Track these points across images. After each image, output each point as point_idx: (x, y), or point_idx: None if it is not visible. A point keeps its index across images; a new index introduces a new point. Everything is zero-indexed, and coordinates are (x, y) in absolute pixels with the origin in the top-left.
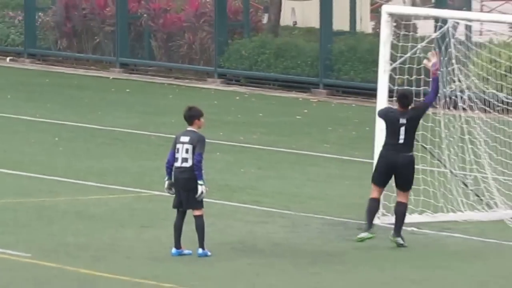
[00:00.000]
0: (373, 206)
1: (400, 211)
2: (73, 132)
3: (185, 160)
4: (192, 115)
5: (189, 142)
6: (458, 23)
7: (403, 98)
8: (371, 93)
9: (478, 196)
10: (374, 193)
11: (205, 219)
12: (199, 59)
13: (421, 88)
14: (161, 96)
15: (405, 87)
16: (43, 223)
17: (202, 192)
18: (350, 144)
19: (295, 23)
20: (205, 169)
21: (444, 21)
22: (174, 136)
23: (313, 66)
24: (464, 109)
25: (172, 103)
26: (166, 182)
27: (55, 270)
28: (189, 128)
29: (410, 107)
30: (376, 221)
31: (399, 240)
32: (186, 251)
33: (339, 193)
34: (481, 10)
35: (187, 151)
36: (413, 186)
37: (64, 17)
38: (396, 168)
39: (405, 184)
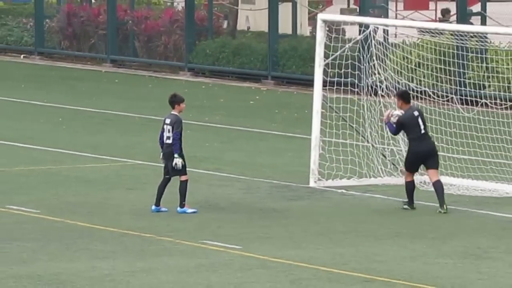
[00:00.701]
0: (411, 186)
1: (439, 186)
2: (74, 114)
3: (168, 137)
4: (172, 101)
5: (170, 124)
6: (377, 27)
7: (407, 95)
8: (309, 83)
9: (394, 164)
10: (409, 177)
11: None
12: (173, 56)
13: (349, 79)
14: (143, 85)
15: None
16: (49, 186)
17: (175, 164)
18: (292, 124)
19: (248, 28)
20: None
21: (367, 26)
22: (153, 117)
23: (263, 62)
24: (382, 96)
25: (151, 91)
26: (160, 155)
27: (59, 223)
28: (172, 112)
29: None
30: (312, 184)
31: (444, 208)
32: (163, 209)
33: (284, 162)
34: (396, 18)
35: (169, 130)
36: (343, 157)
37: (66, 23)
38: (427, 155)
39: (435, 164)
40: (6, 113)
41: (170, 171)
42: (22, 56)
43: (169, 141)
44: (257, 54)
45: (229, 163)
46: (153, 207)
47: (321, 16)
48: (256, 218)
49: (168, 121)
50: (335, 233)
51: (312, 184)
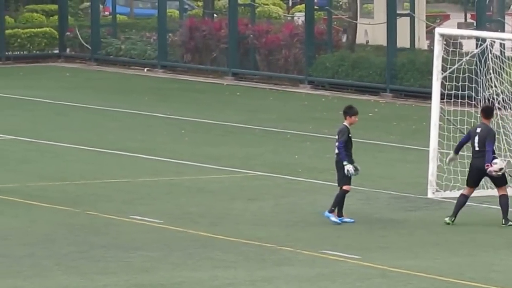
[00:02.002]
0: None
1: (504, 202)
2: (196, 126)
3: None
4: (345, 112)
5: (336, 133)
6: (494, 41)
7: (490, 110)
8: (427, 96)
9: (510, 176)
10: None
11: (304, 194)
12: (293, 69)
13: (466, 92)
14: (263, 98)
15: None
16: (172, 197)
17: (347, 171)
18: (410, 136)
19: (367, 41)
20: (298, 155)
21: (483, 40)
22: (274, 129)
23: (381, 75)
24: (499, 108)
25: (272, 104)
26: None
27: (181, 233)
28: (343, 123)
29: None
30: (430, 195)
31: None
32: (347, 219)
33: (402, 174)
34: None
35: (336, 140)
36: (460, 169)
37: (188, 37)
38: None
39: (498, 180)
40: (130, 125)
41: (339, 181)
42: (145, 69)
43: (336, 151)
44: (375, 67)
45: None
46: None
47: (438, 30)
48: (375, 228)
49: (336, 131)
50: (452, 243)
51: (430, 195)
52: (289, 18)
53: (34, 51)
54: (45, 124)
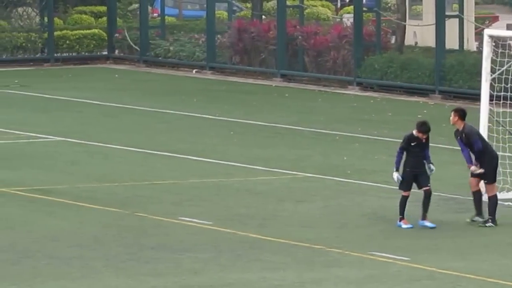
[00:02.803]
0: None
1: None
2: (244, 127)
3: None
4: (416, 124)
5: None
6: None
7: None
8: (476, 98)
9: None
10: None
11: (353, 196)
12: (342, 71)
13: None
14: (312, 100)
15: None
16: (221, 198)
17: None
18: None
19: (416, 43)
20: (347, 157)
21: None
22: (323, 131)
23: (430, 76)
24: None
25: (321, 105)
26: None
27: (230, 234)
28: (413, 131)
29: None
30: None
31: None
32: (427, 224)
33: (451, 175)
34: None
35: None
36: (509, 170)
37: (237, 39)
38: None
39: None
40: (179, 127)
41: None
42: (194, 71)
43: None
44: (424, 68)
45: None
46: (420, 221)
47: (487, 32)
48: (424, 229)
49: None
50: (502, 245)
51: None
52: (337, 19)
53: (83, 53)
54: (94, 126)
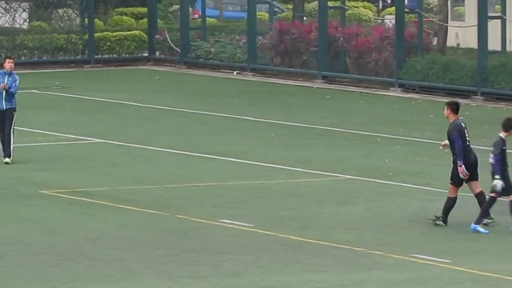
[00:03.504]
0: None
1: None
2: (285, 129)
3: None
4: (505, 124)
5: (492, 146)
6: None
7: (457, 106)
8: None
9: None
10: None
11: (395, 198)
12: (383, 72)
13: None
14: (354, 101)
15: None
16: (262, 200)
17: (495, 185)
18: None
19: (458, 44)
20: (389, 158)
21: None
22: (364, 133)
23: (472, 78)
24: None
25: (362, 107)
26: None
27: (271, 236)
28: (499, 134)
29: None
30: None
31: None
32: (482, 230)
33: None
34: None
35: (492, 152)
36: None
37: (278, 40)
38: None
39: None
40: (219, 129)
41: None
42: (235, 72)
43: (491, 161)
44: (466, 70)
45: (438, 178)
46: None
47: None
48: (466, 232)
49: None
50: None
51: None
52: (379, 20)
53: (123, 54)
54: (134, 128)
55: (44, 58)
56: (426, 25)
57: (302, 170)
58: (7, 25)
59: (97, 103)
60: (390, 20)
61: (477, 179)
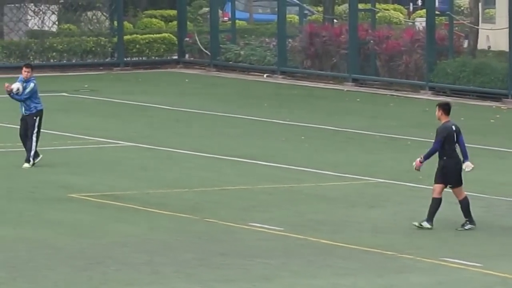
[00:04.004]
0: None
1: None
2: (315, 132)
3: None
4: None
5: None
6: None
7: (448, 107)
8: None
9: None
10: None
11: (425, 202)
12: (414, 75)
13: None
14: (384, 104)
15: None
16: (292, 204)
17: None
18: None
19: (489, 47)
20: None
21: None
22: (394, 136)
23: (503, 81)
24: None
25: (393, 110)
26: None
27: (301, 240)
28: None
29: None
30: None
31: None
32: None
33: None
34: None
35: None
36: None
37: (308, 43)
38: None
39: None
40: (249, 131)
41: None
42: (265, 75)
43: None
44: (497, 73)
45: (469, 181)
46: None
47: None
48: (497, 235)
49: None
50: None
51: None
52: (410, 23)
53: (153, 57)
54: (164, 131)
55: (73, 61)
56: (456, 28)
57: (332, 173)
58: (36, 28)
59: (126, 106)
60: (420, 22)
61: (460, 185)
